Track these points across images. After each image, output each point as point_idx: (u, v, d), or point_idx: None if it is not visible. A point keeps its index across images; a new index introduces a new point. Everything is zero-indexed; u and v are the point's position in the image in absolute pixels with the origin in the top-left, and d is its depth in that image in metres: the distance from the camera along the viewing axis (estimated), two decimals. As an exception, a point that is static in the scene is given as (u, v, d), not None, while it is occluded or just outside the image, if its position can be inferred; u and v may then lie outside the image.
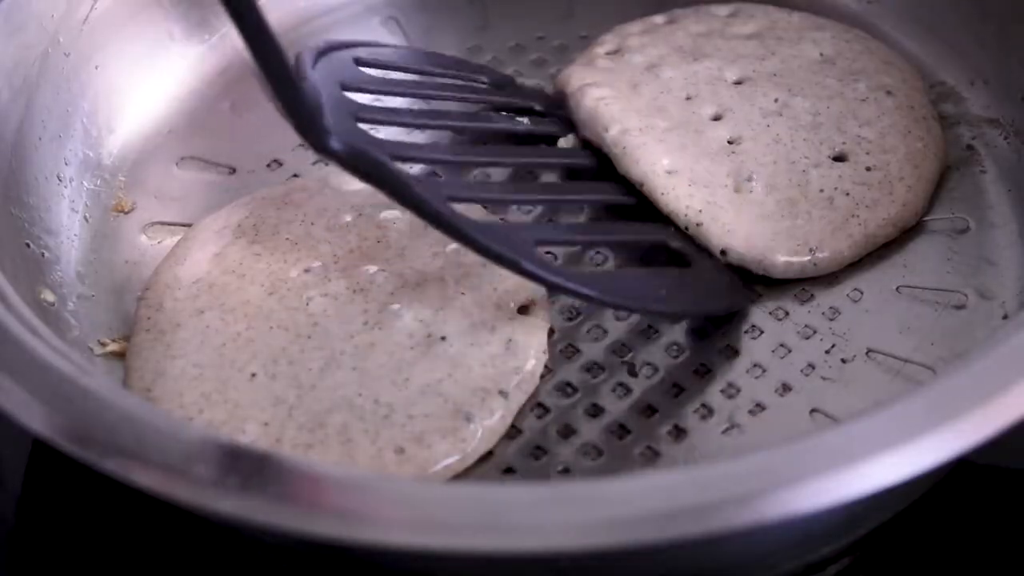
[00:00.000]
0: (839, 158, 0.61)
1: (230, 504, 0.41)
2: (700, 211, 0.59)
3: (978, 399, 0.44)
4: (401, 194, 0.53)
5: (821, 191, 0.60)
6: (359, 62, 0.64)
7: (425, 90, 0.66)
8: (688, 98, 0.64)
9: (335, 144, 0.52)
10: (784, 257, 0.58)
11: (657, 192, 0.60)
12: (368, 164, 0.53)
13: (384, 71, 0.66)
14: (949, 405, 0.44)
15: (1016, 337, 0.47)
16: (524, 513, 0.41)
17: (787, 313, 0.58)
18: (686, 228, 0.59)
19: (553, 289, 0.56)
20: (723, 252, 0.59)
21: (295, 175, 0.66)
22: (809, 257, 0.58)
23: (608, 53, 0.67)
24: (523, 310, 0.58)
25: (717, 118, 0.63)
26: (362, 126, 0.58)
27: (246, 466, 0.42)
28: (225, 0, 0.47)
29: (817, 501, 0.41)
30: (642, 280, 0.58)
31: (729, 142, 0.62)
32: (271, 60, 0.49)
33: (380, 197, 0.60)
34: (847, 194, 0.60)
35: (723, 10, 0.69)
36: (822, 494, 0.41)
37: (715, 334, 0.58)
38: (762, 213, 0.59)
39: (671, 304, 0.57)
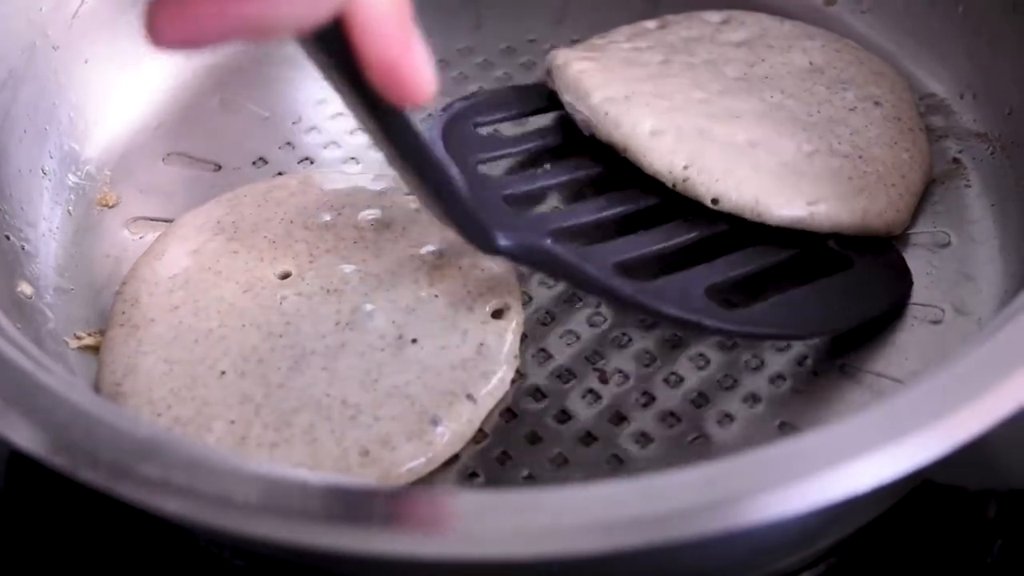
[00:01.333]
0: (836, 153, 0.61)
1: (175, 504, 0.41)
2: (685, 167, 0.59)
3: (937, 414, 0.43)
4: (573, 278, 0.56)
5: (827, 167, 0.60)
6: (477, 124, 0.66)
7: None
8: (687, 72, 0.64)
9: (502, 243, 0.54)
10: (780, 204, 0.58)
11: (640, 154, 0.60)
12: (538, 256, 0.55)
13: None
14: (906, 419, 0.43)
15: (978, 352, 0.46)
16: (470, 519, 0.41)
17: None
18: (673, 186, 0.59)
19: (731, 336, 0.57)
20: (714, 201, 0.58)
21: (280, 173, 0.66)
22: (806, 210, 0.58)
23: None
24: (497, 314, 0.57)
25: (722, 93, 0.63)
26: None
27: (193, 466, 0.42)
28: (388, 132, 0.48)
29: (766, 514, 0.41)
30: (809, 301, 0.57)
31: (731, 110, 0.62)
32: (440, 185, 0.51)
33: (360, 197, 0.60)
34: (850, 178, 0.60)
35: (715, 17, 0.69)
36: (771, 506, 0.41)
37: (688, 343, 0.57)
38: (763, 167, 0.59)
39: (841, 319, 0.57)
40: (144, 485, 0.42)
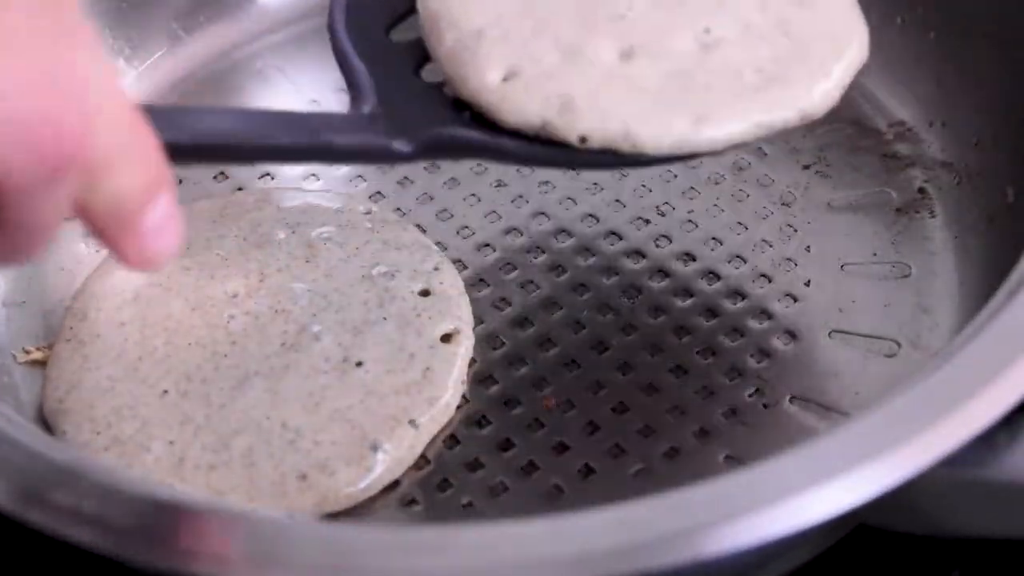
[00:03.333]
0: (751, 33, 0.53)
1: (83, 533, 0.41)
2: (543, 111, 0.50)
3: (877, 450, 0.42)
4: (489, 155, 0.52)
5: (727, 64, 0.51)
6: None
7: None
8: None
9: (404, 150, 0.50)
10: (656, 131, 0.49)
11: (492, 110, 0.51)
12: (446, 148, 0.51)
13: None
14: (846, 456, 0.43)
15: (923, 386, 0.45)
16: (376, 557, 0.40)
17: (714, 353, 0.57)
18: (536, 136, 0.50)
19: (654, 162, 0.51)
20: (582, 139, 0.49)
21: (239, 188, 0.65)
22: (691, 129, 0.49)
23: None
24: (446, 338, 0.57)
25: None
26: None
27: (102, 495, 0.42)
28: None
29: (689, 554, 0.40)
30: None
31: (615, 5, 0.53)
32: (323, 144, 0.49)
33: (315, 215, 0.60)
34: (760, 71, 0.51)
35: None
36: (702, 545, 0.40)
37: (640, 371, 0.56)
38: (639, 87, 0.50)
39: None
40: (55, 513, 0.41)
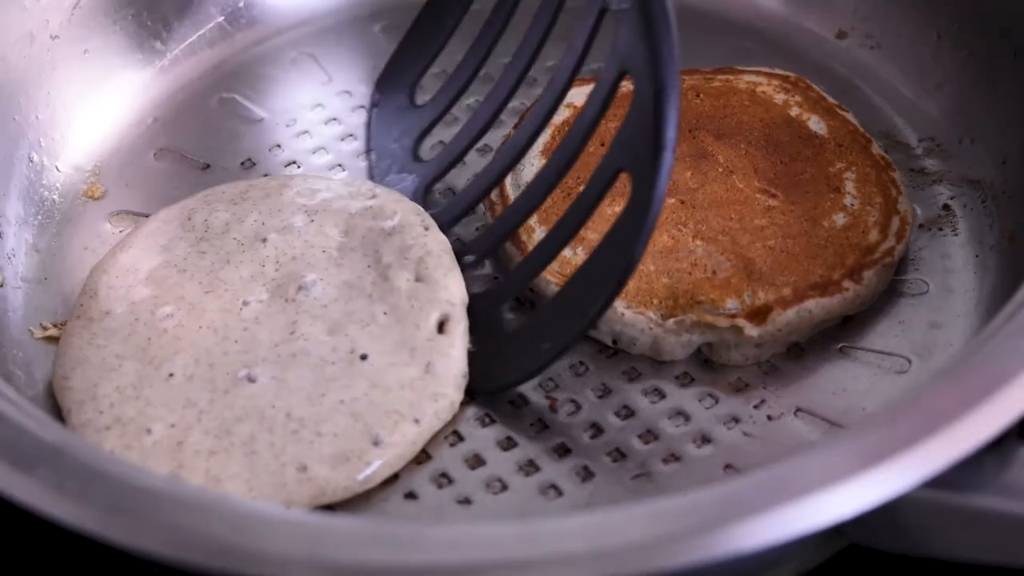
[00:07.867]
0: None
1: (64, 511, 0.41)
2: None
3: (852, 471, 0.42)
4: None
5: None
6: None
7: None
8: None
9: None
10: None
11: None
12: None
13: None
14: (825, 474, 0.42)
15: (923, 402, 0.45)
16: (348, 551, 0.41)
17: (723, 364, 0.56)
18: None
19: None
20: None
21: (265, 175, 0.65)
22: None
23: None
24: (441, 327, 0.56)
25: None
26: None
27: (86, 475, 0.42)
28: None
29: (655, 565, 0.40)
30: None
31: None
32: None
33: (335, 205, 0.60)
34: None
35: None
36: (661, 558, 0.40)
37: (647, 377, 0.56)
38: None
39: None
40: (37, 490, 0.42)
